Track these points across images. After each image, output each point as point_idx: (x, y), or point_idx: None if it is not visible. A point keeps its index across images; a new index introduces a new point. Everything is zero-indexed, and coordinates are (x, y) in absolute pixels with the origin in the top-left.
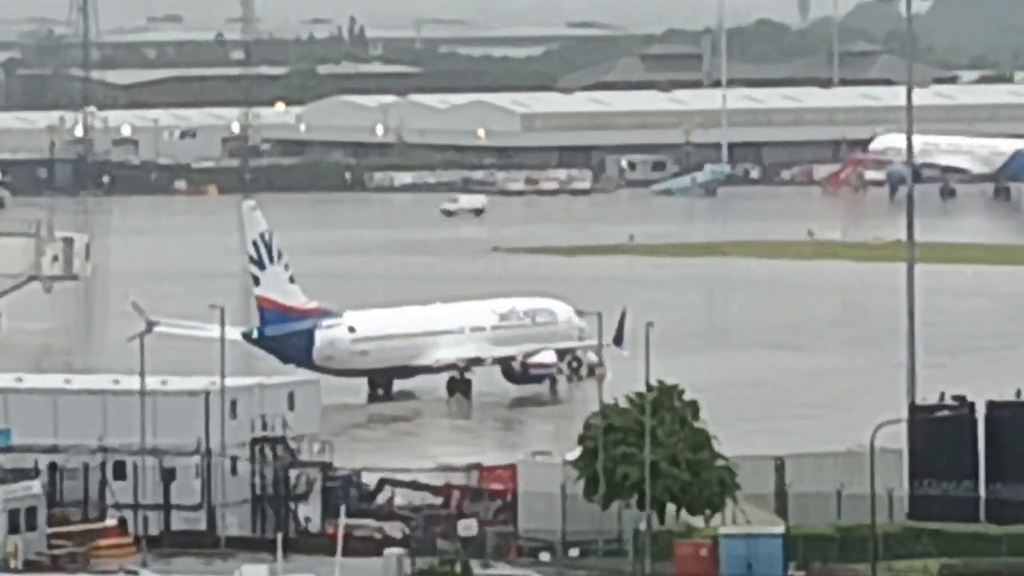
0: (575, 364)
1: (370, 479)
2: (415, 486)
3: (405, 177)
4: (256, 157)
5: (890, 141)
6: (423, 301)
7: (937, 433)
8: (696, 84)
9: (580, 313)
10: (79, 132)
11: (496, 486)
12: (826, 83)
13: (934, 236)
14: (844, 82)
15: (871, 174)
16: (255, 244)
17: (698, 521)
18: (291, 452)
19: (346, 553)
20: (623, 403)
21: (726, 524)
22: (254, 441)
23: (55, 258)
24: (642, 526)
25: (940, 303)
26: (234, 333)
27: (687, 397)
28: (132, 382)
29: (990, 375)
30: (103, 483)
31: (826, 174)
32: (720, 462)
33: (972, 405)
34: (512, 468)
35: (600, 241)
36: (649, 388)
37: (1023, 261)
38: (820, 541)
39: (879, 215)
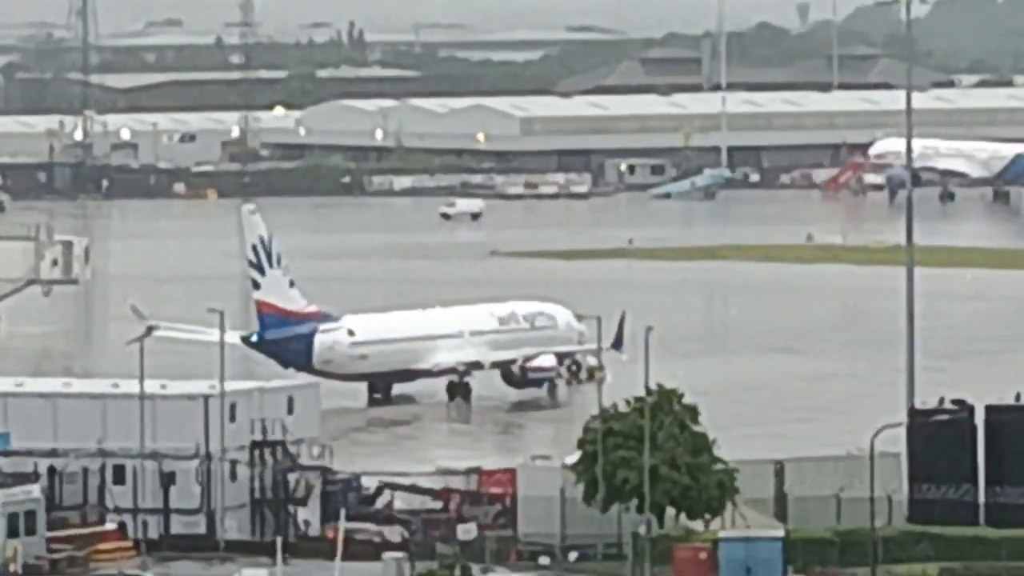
0: (574, 368)
1: (369, 483)
2: (414, 490)
3: (404, 181)
4: (255, 161)
5: (889, 145)
6: (422, 305)
7: (936, 437)
8: (696, 88)
9: (579, 317)
10: (78, 136)
11: (495, 490)
12: (825, 87)
13: (933, 240)
14: (843, 86)
15: (870, 178)
16: (255, 248)
17: (697, 525)
18: (290, 456)
19: (345, 557)
20: (623, 407)
21: (725, 528)
22: (253, 445)
23: (54, 262)
24: (641, 530)
25: (940, 307)
26: (233, 337)
27: (686, 401)
28: (131, 386)
29: (989, 379)
30: (102, 487)
31: (826, 178)
32: (719, 466)
33: (971, 409)
34: (511, 472)
35: (599, 245)
36: (648, 392)
37: (1022, 265)
38: (819, 545)
39: (878, 219)
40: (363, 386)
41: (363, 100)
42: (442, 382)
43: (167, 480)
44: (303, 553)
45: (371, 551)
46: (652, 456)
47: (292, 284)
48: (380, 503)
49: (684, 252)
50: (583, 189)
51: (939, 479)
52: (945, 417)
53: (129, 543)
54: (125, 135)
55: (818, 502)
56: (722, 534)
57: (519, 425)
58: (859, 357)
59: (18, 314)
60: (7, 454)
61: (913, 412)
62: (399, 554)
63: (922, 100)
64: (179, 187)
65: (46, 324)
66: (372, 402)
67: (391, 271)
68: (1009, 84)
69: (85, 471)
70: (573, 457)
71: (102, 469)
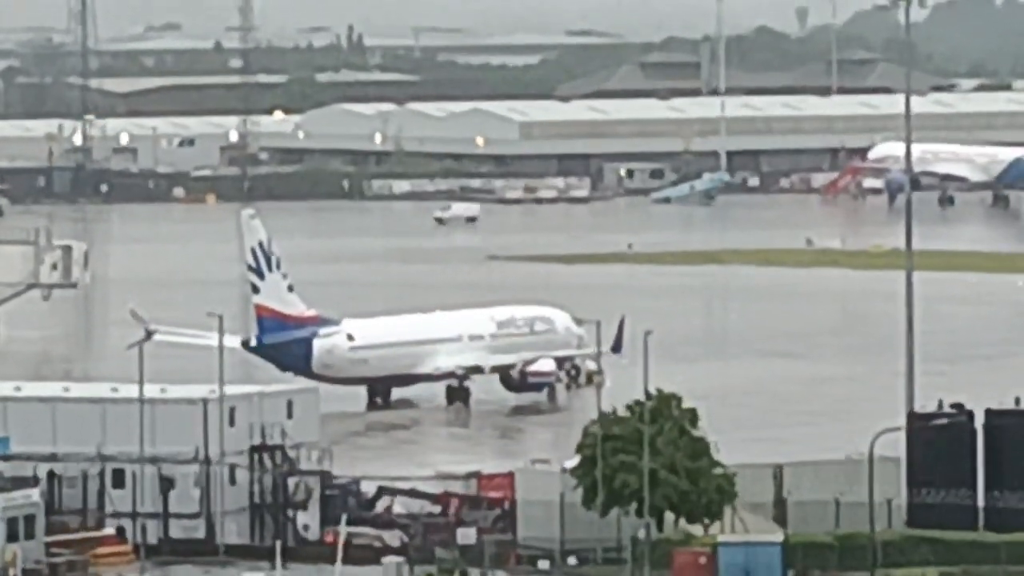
0: (574, 372)
1: (369, 487)
2: (414, 494)
3: (403, 185)
4: (255, 165)
5: (889, 149)
6: (422, 309)
7: (936, 441)
8: (695, 92)
9: (579, 321)
10: (78, 140)
11: (495, 494)
12: (825, 91)
13: (933, 244)
14: (843, 90)
15: (870, 182)
16: (254, 252)
17: (697, 529)
18: (290, 460)
19: (345, 561)
20: (622, 411)
21: (725, 532)
22: (253, 449)
23: (54, 266)
24: (641, 534)
25: (939, 311)
26: (233, 341)
27: (686, 405)
28: (131, 390)
29: (989, 383)
30: (102, 491)
31: (825, 182)
32: (719, 470)
33: (971, 413)
34: (511, 476)
35: (598, 249)
36: (648, 396)
37: (1022, 269)
38: (819, 549)
39: (878, 223)
40: (362, 390)
41: (362, 104)
42: (441, 386)
43: (166, 484)
44: (302, 557)
45: (370, 555)
46: (651, 460)
47: (291, 288)
48: (379, 507)
49: (683, 256)
50: (582, 193)
51: (938, 483)
52: (944, 421)
53: (128, 547)
54: (124, 139)
55: (817, 506)
56: (721, 538)
57: (518, 429)
58: (858, 361)
59: (18, 318)
60: (6, 458)
61: (912, 416)
62: (398, 558)
63: (921, 104)
64: (178, 191)
65: (45, 328)
66: (371, 406)
67: (390, 275)
68: (1008, 88)
69: (84, 475)
70: (572, 461)
71: (101, 473)
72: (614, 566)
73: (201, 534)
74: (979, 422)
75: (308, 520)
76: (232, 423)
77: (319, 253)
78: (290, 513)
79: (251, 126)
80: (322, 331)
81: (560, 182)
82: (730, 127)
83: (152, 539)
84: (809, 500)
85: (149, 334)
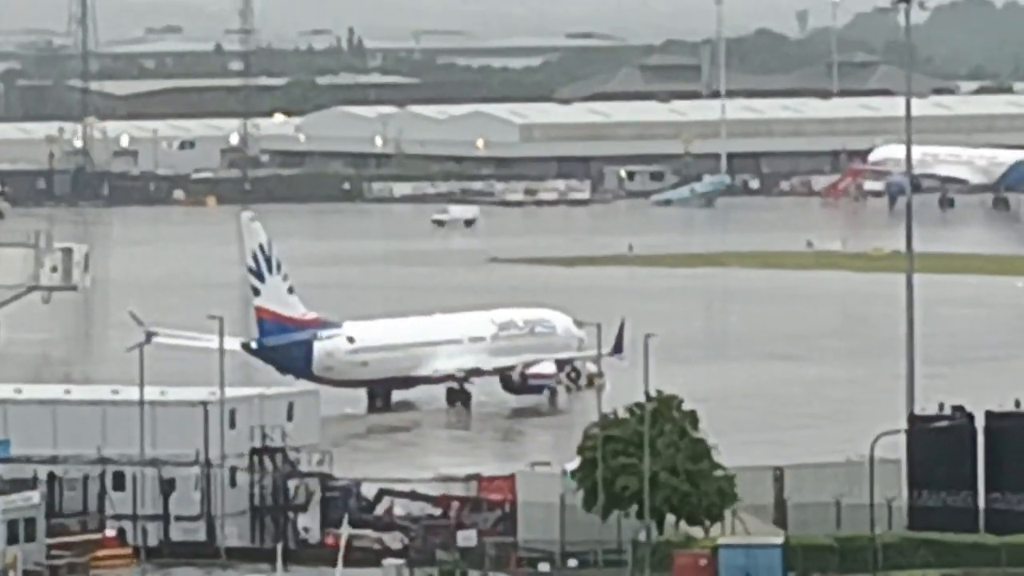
0: (574, 374)
1: (369, 490)
2: (414, 496)
3: (404, 188)
4: (255, 168)
5: (889, 152)
6: (422, 312)
7: (936, 443)
8: (695, 95)
9: (579, 323)
10: (78, 143)
11: (495, 496)
12: (825, 94)
13: (933, 246)
14: (843, 93)
15: (870, 184)
16: (254, 255)
17: (697, 531)
18: (290, 463)
19: (345, 564)
20: (622, 413)
21: (725, 534)
22: (253, 452)
23: (54, 269)
24: (641, 536)
25: (939, 313)
26: (233, 344)
27: (686, 407)
28: (131, 392)
29: (989, 385)
30: (102, 494)
31: (825, 184)
32: (719, 472)
33: (971, 415)
34: (511, 478)
35: (599, 251)
36: (648, 398)
37: (1022, 271)
38: (819, 551)
39: (878, 225)
40: (363, 393)
41: (363, 107)
42: (442, 389)
43: (167, 487)
44: (303, 560)
45: (371, 558)
46: (652, 463)
47: (292, 291)
48: (380, 509)
49: (684, 259)
50: (583, 196)
51: (939, 485)
52: (945, 423)
53: (129, 550)
54: (125, 142)
55: (818, 508)
56: (722, 540)
57: (519, 431)
58: (859, 363)
59: (18, 321)
60: (7, 461)
61: (913, 418)
62: (399, 561)
63: (921, 107)
64: (179, 194)
65: (46, 331)
66: (372, 409)
67: (391, 278)
68: (1008, 91)
69: (85, 478)
70: (573, 463)
71: (102, 476)
72: (614, 568)
73: (202, 536)
74: (979, 424)
75: (309, 522)
76: (232, 425)
77: (319, 255)
78: (291, 515)
79: (251, 129)
80: (322, 333)
81: (560, 184)
82: (730, 129)
83: (152, 541)
84: (810, 502)
85: (149, 337)
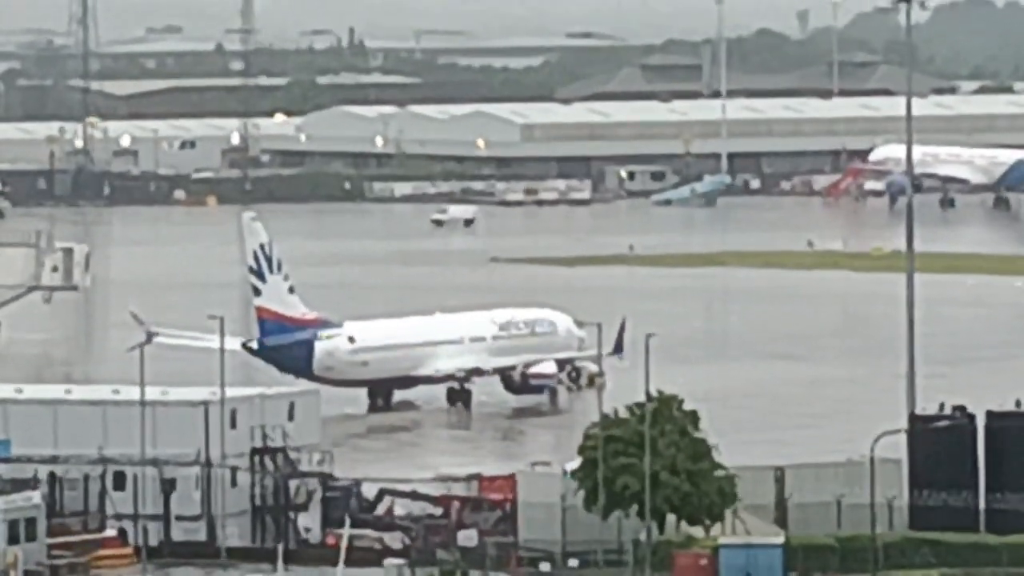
0: (575, 374)
1: (370, 489)
2: (415, 496)
3: (405, 187)
4: (256, 167)
5: (890, 151)
6: (423, 311)
7: (937, 443)
8: (696, 94)
9: (580, 323)
10: (79, 143)
11: (496, 496)
12: (826, 93)
13: (934, 246)
14: (844, 92)
15: (871, 184)
16: (255, 255)
17: (698, 531)
18: (291, 462)
19: (346, 563)
20: (623, 413)
21: (726, 534)
22: (254, 451)
23: (55, 268)
24: (642, 536)
25: (940, 313)
26: (234, 344)
27: (687, 407)
28: (132, 392)
29: (990, 385)
30: (103, 493)
31: (826, 184)
32: (720, 472)
33: (972, 415)
34: (512, 478)
35: (599, 251)
36: (649, 398)
37: (1022, 271)
38: (820, 551)
39: (879, 225)
40: (364, 392)
41: (363, 107)
42: (442, 388)
43: (168, 486)
44: (304, 560)
45: (372, 557)
46: (652, 462)
47: (292, 290)
48: (380, 509)
49: (684, 258)
50: (583, 195)
51: (939, 485)
52: (945, 423)
53: (129, 550)
54: (125, 142)
55: (819, 508)
56: (723, 540)
57: (519, 431)
58: (859, 363)
59: (19, 321)
60: (8, 460)
61: (913, 418)
62: (400, 560)
63: (922, 106)
64: (179, 194)
65: (47, 331)
66: (372, 408)
67: (391, 277)
68: (1009, 90)
69: (86, 477)
70: (574, 463)
71: (103, 475)
72: (615, 568)
73: (202, 536)
74: (980, 424)
75: (309, 522)
76: (233, 425)
77: (320, 255)
78: (291, 515)
79: (252, 128)
80: (323, 333)
81: (561, 184)
82: (731, 129)
83: (153, 541)
84: (810, 502)
85: (150, 336)
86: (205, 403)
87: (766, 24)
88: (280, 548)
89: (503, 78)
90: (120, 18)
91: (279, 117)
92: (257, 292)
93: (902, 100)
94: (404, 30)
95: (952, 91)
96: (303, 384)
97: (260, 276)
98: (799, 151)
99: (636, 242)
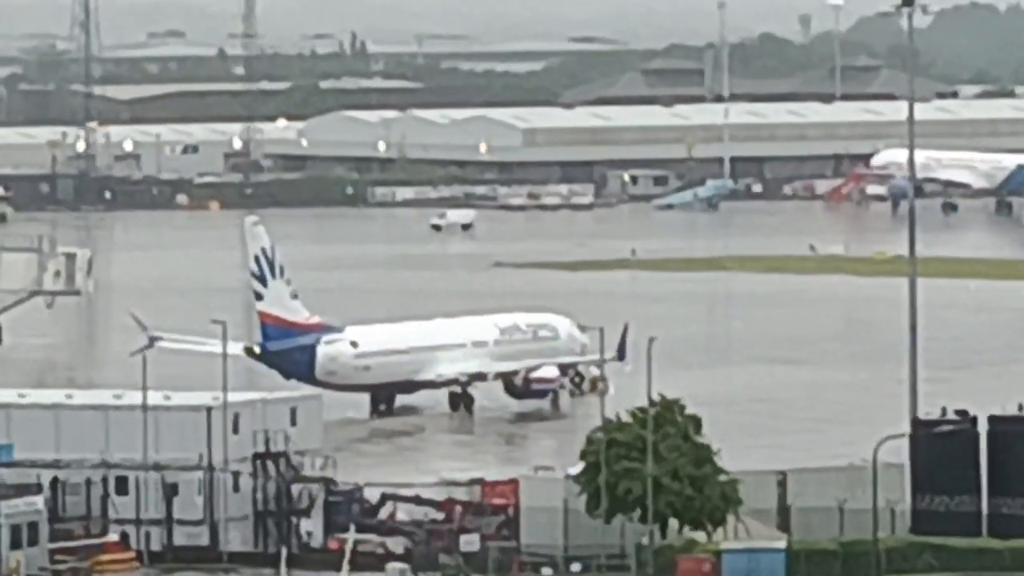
0: (577, 379)
1: (372, 494)
2: (417, 501)
3: (407, 192)
4: (258, 172)
5: (892, 156)
6: (425, 316)
7: (939, 448)
8: (698, 99)
9: (582, 328)
10: (81, 147)
11: (498, 501)
12: (828, 98)
13: (936, 251)
14: (846, 97)
15: (873, 189)
16: (257, 259)
17: (700, 536)
18: (293, 467)
19: (349, 568)
20: (625, 418)
21: (728, 539)
22: (256, 456)
23: (57, 273)
24: (644, 541)
25: (942, 317)
26: (236, 348)
27: (689, 412)
28: (134, 397)
29: (992, 390)
30: (105, 498)
31: (828, 189)
32: (722, 477)
33: (974, 420)
34: (514, 483)
35: (602, 256)
36: (651, 403)
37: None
38: (822, 556)
39: (881, 230)
40: (366, 397)
41: (365, 111)
42: (445, 393)
43: (170, 491)
44: (306, 564)
45: (374, 562)
46: (655, 467)
47: (295, 295)
48: (383, 514)
49: (687, 263)
50: (586, 200)
51: (942, 490)
52: (948, 428)
53: (132, 554)
54: (128, 146)
55: (821, 513)
56: (725, 545)
57: (522, 436)
58: (862, 368)
59: (21, 325)
60: (10, 465)
61: (916, 423)
62: (402, 565)
63: (924, 111)
64: (182, 198)
65: (49, 335)
66: (375, 413)
67: (394, 282)
68: (1011, 95)
69: (88, 482)
70: (576, 468)
71: (105, 480)
72: (618, 573)
73: (205, 541)
74: (983, 429)
75: (312, 527)
76: (236, 430)
77: (322, 260)
78: (294, 520)
79: (254, 133)
80: (325, 338)
81: (564, 189)
82: (733, 134)
83: (156, 546)
84: (813, 507)
85: (152, 341)
86: (208, 408)
87: (768, 28)
88: (283, 553)
89: (505, 82)
90: (122, 23)
91: (281, 121)
92: (259, 296)
93: (904, 104)
94: (406, 34)
95: (954, 95)
96: (305, 389)
97: (262, 281)
98: (801, 155)
99: (638, 246)
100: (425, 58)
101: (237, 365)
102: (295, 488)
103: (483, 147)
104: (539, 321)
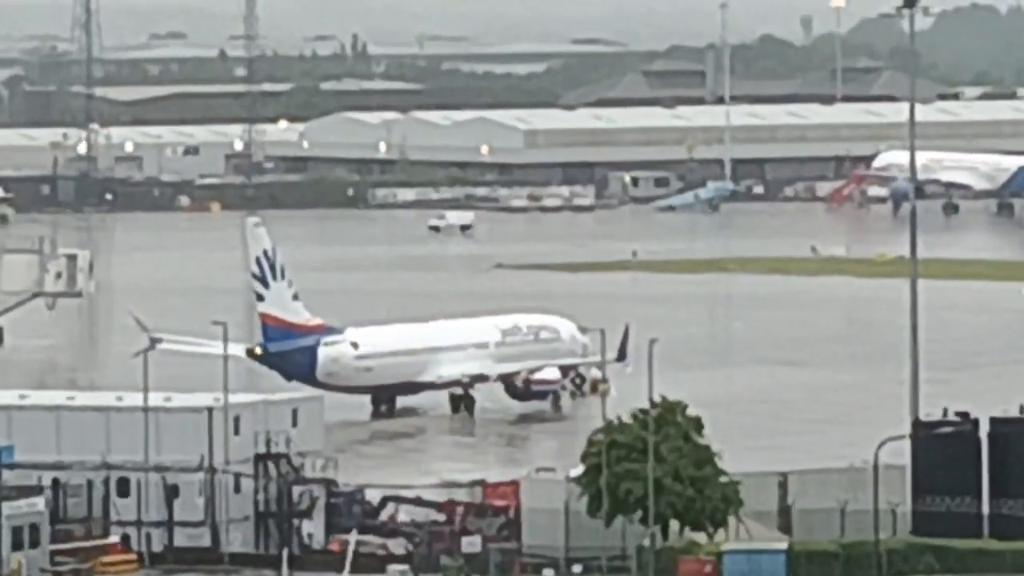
0: (578, 380)
1: (374, 496)
2: (419, 502)
3: (408, 194)
4: (259, 174)
5: (893, 157)
6: (426, 318)
7: (940, 449)
8: (699, 100)
9: (583, 329)
10: (82, 149)
11: (499, 502)
12: (829, 99)
13: (937, 252)
14: (847, 98)
15: (874, 190)
16: (258, 261)
17: (701, 537)
18: (294, 468)
19: (350, 569)
20: (627, 419)
21: (729, 540)
22: (257, 457)
23: (58, 275)
24: (646, 542)
25: (943, 319)
26: (237, 350)
27: (690, 413)
28: (136, 398)
29: (993, 391)
30: (106, 499)
31: (829, 190)
32: (723, 478)
33: (975, 421)
34: (515, 484)
35: (603, 257)
36: (652, 404)
37: None
38: (823, 557)
39: (882, 231)
40: (367, 399)
41: (367, 113)
42: (446, 394)
43: (171, 492)
44: (307, 566)
45: (375, 564)
46: (656, 468)
47: (296, 296)
48: (384, 516)
49: (688, 264)
50: (587, 201)
51: (943, 491)
52: (949, 429)
53: (133, 556)
54: (129, 148)
55: (822, 514)
56: (726, 546)
57: (523, 438)
58: (863, 369)
59: (22, 327)
60: (11, 467)
61: (917, 424)
62: (403, 566)
63: (926, 112)
64: (183, 200)
65: (50, 337)
66: (376, 415)
67: (395, 283)
68: (1013, 96)
69: (89, 483)
70: (577, 469)
71: (106, 482)
72: (619, 574)
73: (206, 542)
74: (984, 430)
75: (313, 528)
76: (237, 431)
77: (323, 261)
78: (295, 522)
79: (256, 135)
80: (326, 339)
81: (564, 190)
82: (734, 135)
83: (157, 547)
84: (814, 508)
85: (154, 342)
86: (209, 409)
87: (770, 30)
88: (284, 554)
89: (506, 84)
90: (124, 24)
91: (282, 123)
92: (260, 298)
93: (905, 106)
94: (407, 36)
95: (955, 97)
96: (306, 390)
97: (263, 282)
98: (802, 157)
99: (640, 248)
100: (426, 60)
101: (238, 366)
102: (296, 489)
103: (484, 149)
104: (540, 323)
